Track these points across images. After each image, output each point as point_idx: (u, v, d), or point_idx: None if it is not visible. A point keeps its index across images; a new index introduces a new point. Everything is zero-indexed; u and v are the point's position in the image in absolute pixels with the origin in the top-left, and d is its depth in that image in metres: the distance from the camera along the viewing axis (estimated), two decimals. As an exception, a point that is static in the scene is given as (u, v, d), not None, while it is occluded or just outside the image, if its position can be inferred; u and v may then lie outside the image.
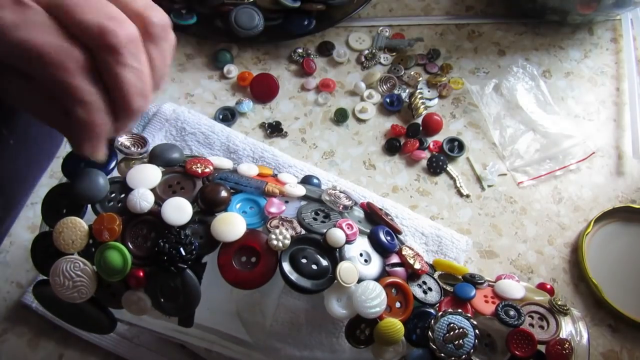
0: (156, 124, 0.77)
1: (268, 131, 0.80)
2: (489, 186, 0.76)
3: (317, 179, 0.61)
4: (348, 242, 0.48)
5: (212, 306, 0.51)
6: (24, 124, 0.62)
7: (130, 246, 0.46)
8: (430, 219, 0.73)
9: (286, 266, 0.46)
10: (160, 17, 0.43)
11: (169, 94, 0.83)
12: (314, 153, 0.79)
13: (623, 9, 0.85)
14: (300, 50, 0.86)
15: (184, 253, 0.45)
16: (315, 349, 0.52)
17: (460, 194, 0.76)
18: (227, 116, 0.81)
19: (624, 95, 0.84)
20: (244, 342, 0.54)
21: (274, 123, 0.80)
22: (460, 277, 0.53)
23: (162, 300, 0.46)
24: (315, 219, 0.49)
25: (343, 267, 0.46)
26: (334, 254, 0.47)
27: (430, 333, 0.46)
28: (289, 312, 0.52)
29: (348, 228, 0.48)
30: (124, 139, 0.51)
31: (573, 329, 0.49)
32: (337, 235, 0.47)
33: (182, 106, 0.79)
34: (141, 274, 0.46)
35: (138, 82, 0.41)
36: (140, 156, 0.51)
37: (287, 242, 0.46)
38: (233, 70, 0.85)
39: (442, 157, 0.77)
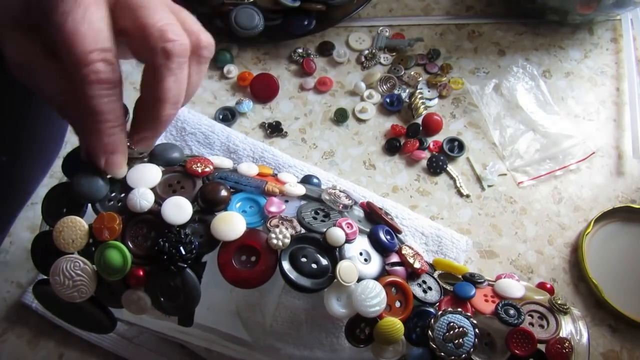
0: (156, 124, 0.77)
1: (268, 131, 0.80)
2: (489, 186, 0.76)
3: (317, 178, 0.61)
4: (348, 241, 0.48)
5: (212, 305, 0.51)
6: (17, 140, 0.63)
7: (130, 245, 0.46)
8: (430, 219, 0.73)
9: (286, 265, 0.46)
10: (209, 41, 0.47)
11: (169, 94, 0.83)
12: (314, 153, 0.79)
13: (623, 9, 0.85)
14: (300, 50, 0.87)
15: (183, 252, 0.45)
16: (315, 348, 0.52)
17: (460, 194, 0.76)
18: (227, 116, 0.81)
19: (624, 95, 0.84)
20: (243, 342, 0.54)
21: (274, 123, 0.80)
22: (460, 276, 0.53)
23: (162, 299, 0.46)
24: (315, 218, 0.49)
25: (343, 266, 0.46)
26: (334, 253, 0.47)
27: (430, 332, 0.46)
28: (289, 311, 0.52)
29: (348, 227, 0.48)
30: None
31: (573, 328, 0.49)
32: (336, 234, 0.47)
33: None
34: (141, 273, 0.46)
35: (176, 92, 0.44)
36: (140, 155, 0.51)
37: (287, 241, 0.46)
38: (233, 70, 0.85)
39: (442, 157, 0.77)
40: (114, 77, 0.41)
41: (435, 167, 0.77)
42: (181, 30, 0.44)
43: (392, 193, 0.76)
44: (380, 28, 0.89)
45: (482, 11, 0.92)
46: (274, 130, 0.80)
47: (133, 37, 0.43)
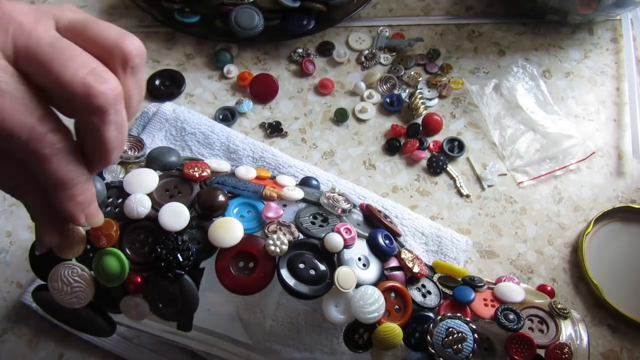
0: (156, 123, 0.77)
1: (268, 131, 0.80)
2: (489, 186, 0.76)
3: (316, 180, 0.61)
4: (346, 246, 0.48)
5: (211, 308, 0.51)
6: None
7: (128, 252, 0.46)
8: (430, 219, 0.73)
9: (284, 272, 0.46)
10: (136, 46, 0.39)
11: (168, 94, 0.83)
12: (314, 153, 0.79)
13: (623, 9, 0.84)
14: (300, 50, 0.86)
15: (181, 259, 0.45)
16: (315, 350, 0.52)
17: (460, 194, 0.76)
18: (227, 116, 0.81)
19: (624, 95, 0.84)
20: (243, 344, 0.54)
21: (274, 123, 0.80)
22: (459, 279, 0.53)
23: (160, 305, 0.46)
24: (313, 223, 0.49)
25: (341, 272, 0.46)
26: (332, 259, 0.47)
27: (429, 337, 0.46)
28: (289, 313, 0.52)
29: (346, 232, 0.48)
30: None
31: (573, 331, 0.49)
32: (335, 240, 0.47)
33: (182, 106, 0.79)
34: (139, 279, 0.46)
35: (119, 136, 0.38)
36: (137, 160, 0.51)
37: (285, 247, 0.46)
38: (233, 70, 0.85)
39: (442, 157, 0.77)
40: (64, 137, 0.37)
41: (435, 167, 0.77)
42: (104, 70, 0.36)
43: (392, 193, 0.76)
44: (380, 28, 0.89)
45: (482, 11, 0.92)
46: (274, 130, 0.80)
47: (54, 95, 0.36)
